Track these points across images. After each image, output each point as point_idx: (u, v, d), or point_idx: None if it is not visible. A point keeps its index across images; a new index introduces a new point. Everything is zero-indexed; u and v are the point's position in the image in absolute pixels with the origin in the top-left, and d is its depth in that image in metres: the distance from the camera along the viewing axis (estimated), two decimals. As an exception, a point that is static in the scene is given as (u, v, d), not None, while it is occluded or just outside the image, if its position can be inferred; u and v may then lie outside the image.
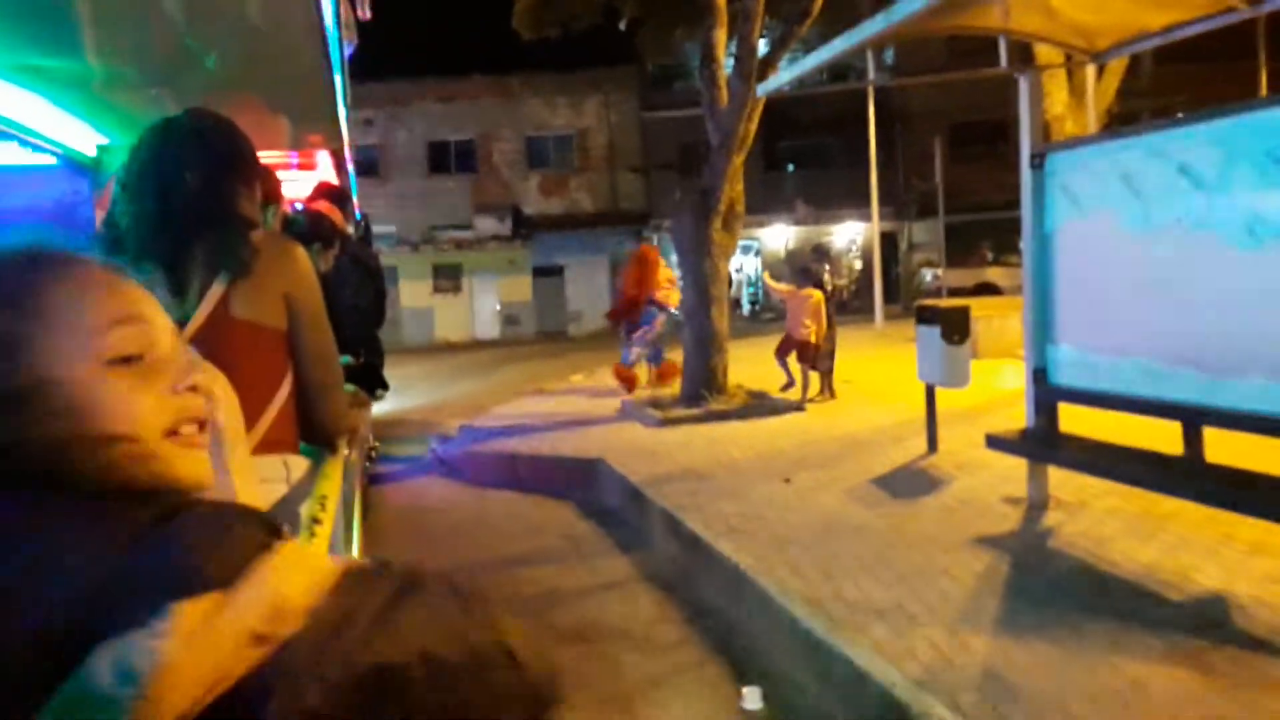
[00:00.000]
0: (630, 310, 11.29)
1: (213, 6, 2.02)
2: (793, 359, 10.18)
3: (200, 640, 0.60)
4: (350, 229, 5.03)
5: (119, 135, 3.16)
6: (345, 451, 2.11)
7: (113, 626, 0.60)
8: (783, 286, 10.86)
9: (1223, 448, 4.34)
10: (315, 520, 1.65)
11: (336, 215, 4.71)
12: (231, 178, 1.90)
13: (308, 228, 3.85)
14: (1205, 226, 4.22)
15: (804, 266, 11.12)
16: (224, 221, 1.84)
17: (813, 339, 9.92)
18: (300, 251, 1.98)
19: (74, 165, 3.22)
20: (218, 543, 0.67)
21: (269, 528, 0.71)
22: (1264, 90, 15.03)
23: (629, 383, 11.22)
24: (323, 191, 4.58)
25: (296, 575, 0.67)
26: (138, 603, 0.60)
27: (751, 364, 11.59)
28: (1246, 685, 3.26)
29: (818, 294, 10.06)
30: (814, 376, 10.15)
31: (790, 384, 10.37)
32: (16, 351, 0.71)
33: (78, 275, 0.76)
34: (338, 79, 2.79)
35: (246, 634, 0.62)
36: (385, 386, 4.58)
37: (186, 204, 1.82)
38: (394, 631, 0.67)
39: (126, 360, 0.75)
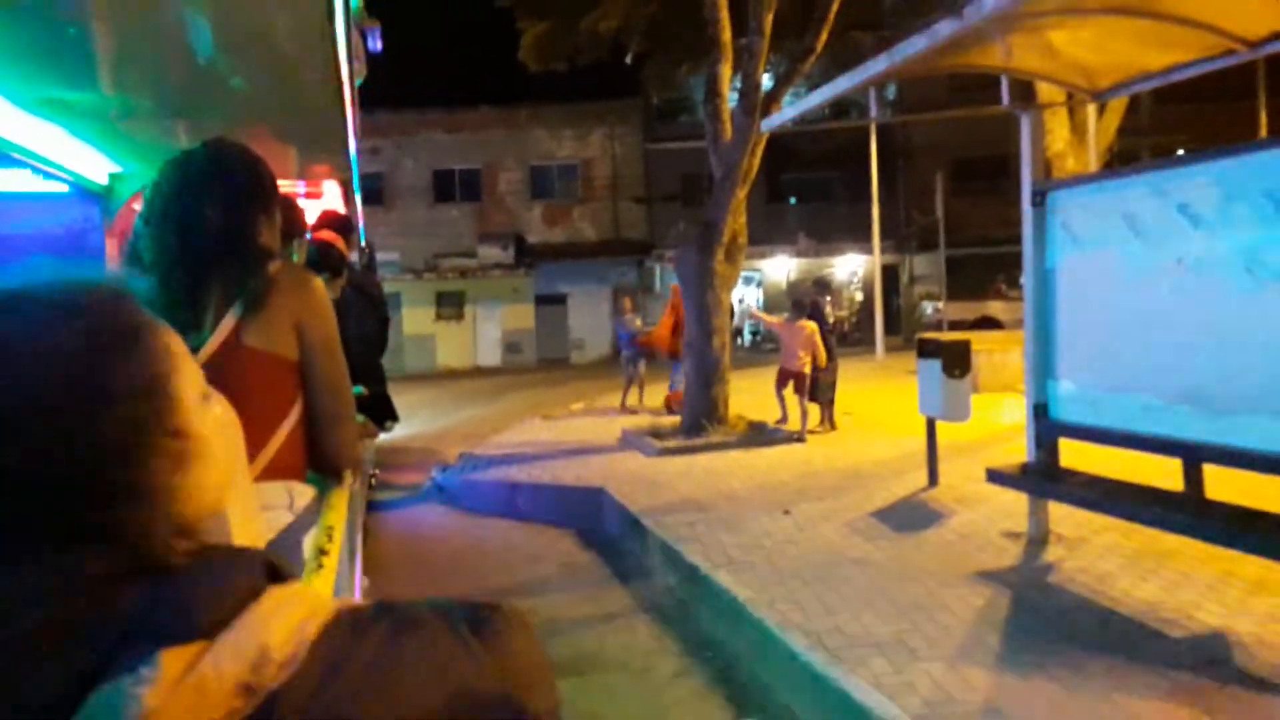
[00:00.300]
0: (663, 344, 12.13)
1: (229, 42, 2.06)
2: (790, 391, 10.16)
3: (184, 689, 0.60)
4: (355, 257, 5.06)
5: (131, 163, 3.20)
6: (351, 481, 2.12)
7: (110, 673, 0.60)
8: (773, 319, 10.91)
9: (1223, 485, 4.35)
10: (322, 551, 1.66)
11: (340, 244, 4.75)
12: (252, 210, 1.93)
13: (316, 258, 3.89)
14: (1204, 265, 4.25)
15: (796, 300, 11.18)
16: (242, 255, 1.87)
17: (807, 369, 9.91)
18: (316, 283, 2.00)
19: (85, 193, 3.26)
20: (213, 591, 0.66)
21: (270, 570, 0.70)
22: (1264, 131, 15.13)
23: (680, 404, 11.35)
24: (326, 221, 4.62)
25: (281, 622, 0.65)
26: (132, 650, 0.61)
27: (752, 395, 11.60)
28: (1248, 725, 3.25)
29: (811, 324, 10.08)
30: (813, 408, 10.14)
31: (783, 419, 10.32)
32: (155, 395, 0.69)
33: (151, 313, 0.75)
34: (349, 112, 2.83)
35: (231, 683, 0.61)
36: (395, 418, 4.59)
37: (206, 240, 1.85)
38: (390, 685, 0.66)
39: (206, 397, 0.75)
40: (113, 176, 3.30)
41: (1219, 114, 17.20)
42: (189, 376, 0.73)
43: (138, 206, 3.35)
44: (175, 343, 0.74)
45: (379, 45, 6.92)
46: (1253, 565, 4.53)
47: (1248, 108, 15.81)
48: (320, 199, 5.11)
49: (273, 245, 1.99)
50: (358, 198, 4.91)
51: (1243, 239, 4.07)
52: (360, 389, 3.41)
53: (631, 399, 12.83)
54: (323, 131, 2.87)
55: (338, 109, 2.51)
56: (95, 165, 3.20)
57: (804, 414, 9.88)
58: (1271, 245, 3.93)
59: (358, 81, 5.13)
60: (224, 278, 1.84)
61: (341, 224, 4.69)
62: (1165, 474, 4.56)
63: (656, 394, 12.78)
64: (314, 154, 3.55)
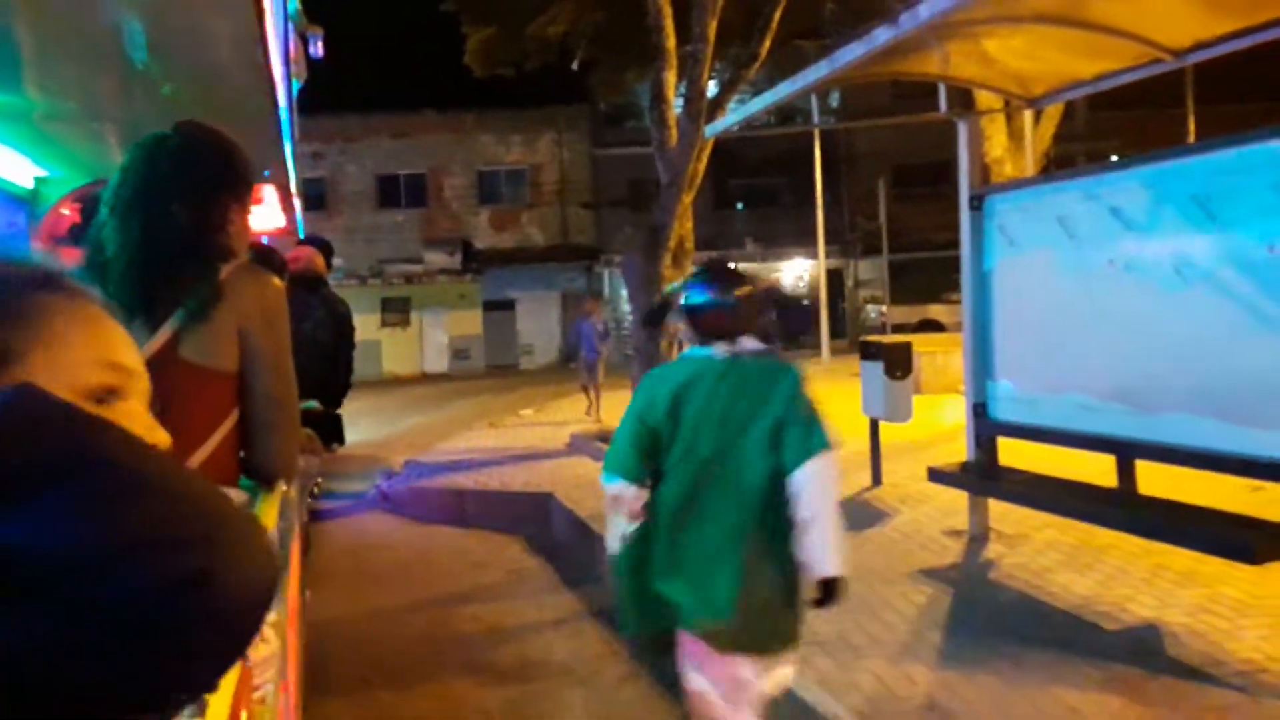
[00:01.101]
0: None
1: (157, 44, 2.02)
2: None
3: None
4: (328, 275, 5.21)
5: (57, 168, 3.12)
6: (284, 488, 2.07)
7: None
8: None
9: (1155, 480, 4.47)
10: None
11: (319, 261, 4.83)
12: (221, 205, 1.85)
13: (254, 259, 3.85)
14: (1135, 267, 4.37)
15: None
16: (205, 256, 1.79)
17: None
18: (270, 287, 1.90)
19: (9, 197, 3.17)
20: None
21: None
22: (1192, 136, 15.60)
23: None
24: (310, 238, 4.78)
25: None
26: None
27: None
28: (1178, 712, 3.34)
29: None
30: None
31: None
32: (6, 366, 0.71)
33: (81, 305, 0.77)
34: (284, 116, 2.79)
35: None
36: (341, 441, 4.63)
37: (171, 237, 1.77)
38: None
39: (100, 399, 0.75)
40: (38, 180, 3.21)
41: (1152, 120, 17.71)
42: (65, 370, 0.73)
43: (66, 211, 3.27)
44: (68, 335, 0.74)
45: (320, 51, 6.83)
46: (1183, 558, 4.66)
47: (1179, 114, 16.29)
48: (260, 204, 5.04)
49: (241, 241, 1.91)
50: (297, 203, 4.85)
51: (1171, 241, 4.19)
52: (314, 403, 3.35)
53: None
54: (257, 138, 2.82)
55: (271, 115, 2.48)
56: (20, 169, 3.11)
57: None
58: (1198, 248, 4.05)
59: (297, 85, 5.08)
60: (183, 277, 1.76)
61: (324, 244, 4.88)
62: (1100, 471, 4.67)
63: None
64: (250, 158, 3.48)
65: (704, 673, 2.70)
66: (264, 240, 4.66)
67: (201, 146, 1.86)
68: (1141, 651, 3.88)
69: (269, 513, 1.81)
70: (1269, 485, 4.09)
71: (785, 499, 2.57)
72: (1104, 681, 3.60)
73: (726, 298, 2.69)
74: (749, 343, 2.71)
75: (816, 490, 2.56)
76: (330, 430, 4.69)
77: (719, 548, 2.59)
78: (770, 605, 2.65)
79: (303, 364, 2.92)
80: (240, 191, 1.91)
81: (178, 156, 1.81)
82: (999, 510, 5.63)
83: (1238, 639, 3.93)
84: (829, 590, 2.59)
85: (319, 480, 8.45)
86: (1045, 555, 5.21)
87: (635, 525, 2.66)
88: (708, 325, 2.69)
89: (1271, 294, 3.71)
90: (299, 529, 4.72)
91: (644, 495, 2.66)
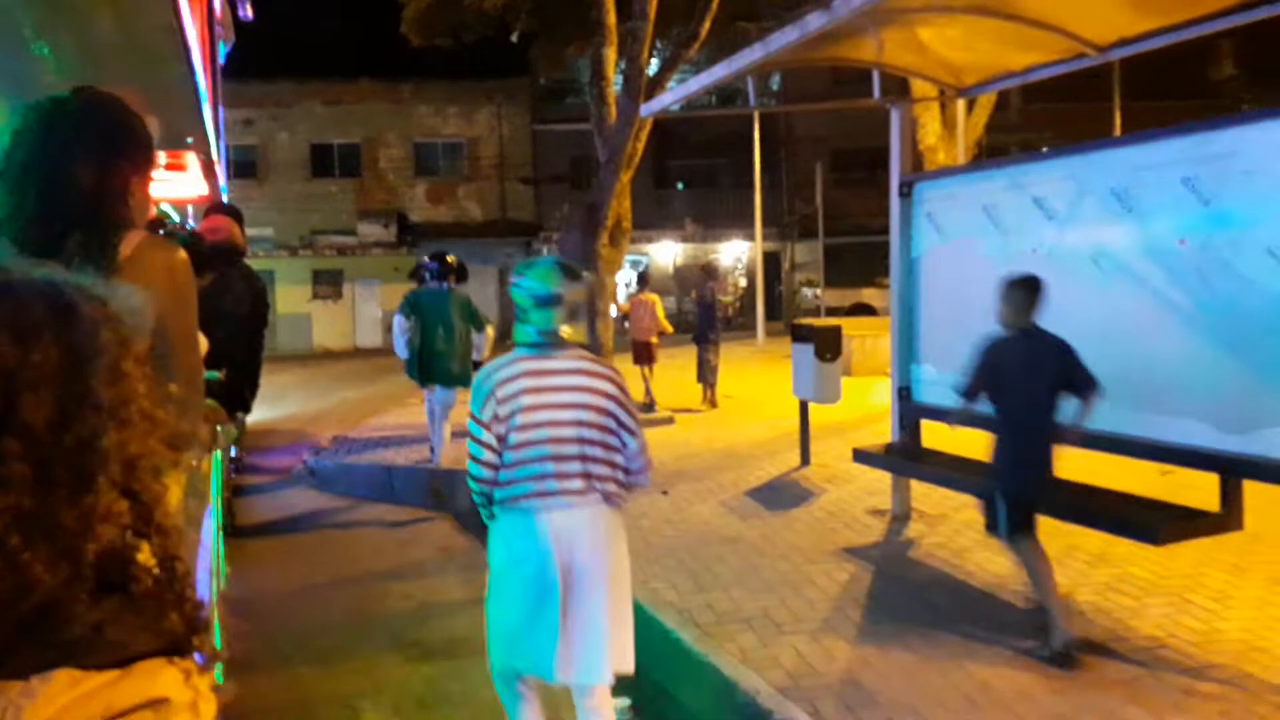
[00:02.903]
0: None
1: (61, 6, 1.93)
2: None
3: (69, 711, 0.60)
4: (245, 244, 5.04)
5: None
6: (192, 464, 2.03)
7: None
8: (624, 304, 11.59)
9: (1070, 464, 4.60)
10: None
11: (236, 231, 4.71)
12: (123, 170, 1.77)
13: (224, 212, 3.79)
14: (1056, 256, 4.49)
15: (640, 274, 12.58)
16: (106, 221, 1.71)
17: (654, 340, 10.65)
18: (174, 262, 1.83)
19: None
20: (134, 631, 0.66)
21: (200, 637, 0.74)
22: (1118, 129, 16.02)
23: None
24: (222, 208, 4.62)
25: (180, 694, 0.67)
26: (37, 660, 0.61)
27: (633, 378, 11.69)
28: (1083, 686, 3.47)
29: (653, 296, 10.94)
30: (697, 387, 10.42)
31: (651, 404, 10.47)
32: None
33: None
34: (200, 81, 2.70)
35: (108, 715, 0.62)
36: (246, 410, 4.55)
37: (70, 199, 1.69)
38: None
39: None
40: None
41: (1083, 113, 18.11)
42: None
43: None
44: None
45: (248, 12, 6.63)
46: (1095, 539, 4.83)
47: (1109, 108, 16.73)
48: (184, 171, 4.90)
49: (141, 211, 1.84)
50: (220, 170, 4.72)
51: (1091, 231, 4.31)
52: (215, 374, 3.29)
53: None
54: (172, 101, 2.72)
55: (187, 77, 2.40)
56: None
57: (647, 384, 10.48)
58: (1115, 238, 4.18)
59: (223, 47, 4.93)
60: (82, 244, 1.68)
61: (238, 214, 4.74)
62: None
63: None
64: (165, 121, 3.37)
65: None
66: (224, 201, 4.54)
67: (103, 110, 1.78)
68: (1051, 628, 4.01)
69: (175, 490, 1.77)
70: (1177, 469, 4.26)
71: (468, 337, 7.81)
72: (1013, 657, 3.73)
73: (443, 266, 7.83)
74: (450, 282, 7.91)
75: (484, 340, 8.06)
76: (234, 399, 4.61)
77: (448, 352, 7.61)
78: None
79: (222, 339, 2.84)
80: (140, 162, 1.83)
81: (79, 118, 1.73)
82: (921, 490, 5.77)
83: (1142, 616, 4.09)
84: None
85: (241, 455, 8.28)
86: (964, 535, 5.36)
87: (412, 347, 7.62)
88: (436, 276, 7.80)
89: (1181, 285, 3.85)
90: (220, 503, 4.63)
91: (415, 327, 7.62)
